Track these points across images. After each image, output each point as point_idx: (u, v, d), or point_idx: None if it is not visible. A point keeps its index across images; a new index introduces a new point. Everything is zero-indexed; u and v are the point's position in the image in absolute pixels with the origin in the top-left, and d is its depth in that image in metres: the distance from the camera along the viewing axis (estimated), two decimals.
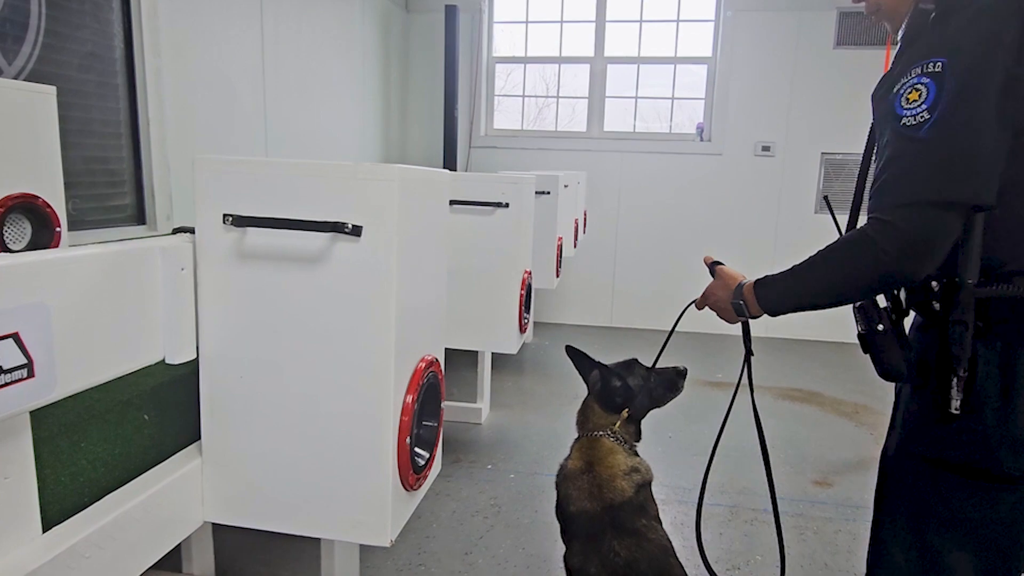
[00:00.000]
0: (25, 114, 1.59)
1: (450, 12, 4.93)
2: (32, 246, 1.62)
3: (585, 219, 4.45)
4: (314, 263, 0.84)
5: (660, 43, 5.08)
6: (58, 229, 1.67)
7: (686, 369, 1.56)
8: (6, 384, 0.57)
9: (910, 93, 0.94)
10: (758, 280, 1.10)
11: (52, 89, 1.65)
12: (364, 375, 0.86)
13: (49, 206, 1.64)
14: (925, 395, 1.03)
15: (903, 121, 0.94)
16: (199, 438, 0.92)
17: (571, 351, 1.55)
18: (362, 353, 0.86)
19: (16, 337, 0.58)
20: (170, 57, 2.69)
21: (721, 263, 1.23)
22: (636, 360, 1.56)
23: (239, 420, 0.90)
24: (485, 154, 5.30)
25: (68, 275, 0.67)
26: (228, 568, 1.93)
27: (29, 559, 0.57)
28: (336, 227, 0.80)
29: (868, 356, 1.10)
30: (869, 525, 1.42)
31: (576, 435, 1.56)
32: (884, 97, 0.99)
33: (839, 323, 5.28)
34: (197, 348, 0.87)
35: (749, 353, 1.26)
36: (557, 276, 3.03)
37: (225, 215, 0.83)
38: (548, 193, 2.63)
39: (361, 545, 1.43)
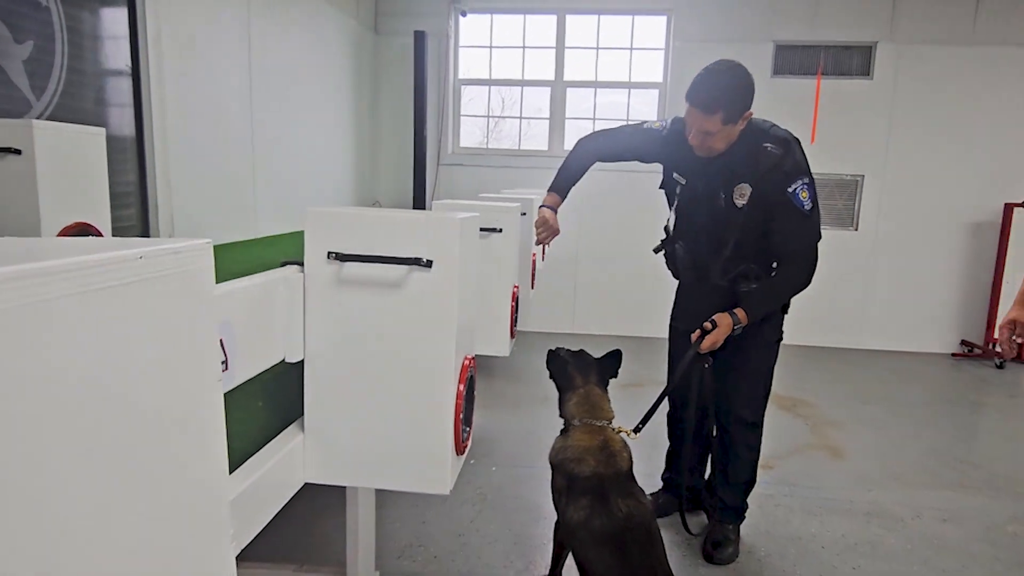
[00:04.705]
0: (80, 152, 1.81)
1: (419, 37, 5.20)
2: None
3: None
4: (395, 288, 1.11)
5: (615, 69, 5.48)
6: None
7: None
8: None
9: (802, 193, 1.95)
10: (744, 306, 2.03)
11: (102, 130, 1.88)
12: (431, 370, 1.14)
13: (100, 234, 1.86)
14: (676, 291, 2.42)
15: (805, 207, 1.95)
16: (294, 419, 1.19)
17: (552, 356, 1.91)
18: (430, 354, 1.14)
19: (221, 343, 0.84)
20: (172, 88, 2.90)
21: (705, 328, 2.02)
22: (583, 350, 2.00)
23: (335, 403, 1.17)
24: (452, 171, 5.58)
25: (239, 298, 0.94)
26: (247, 551, 2.15)
27: (227, 494, 0.80)
28: (414, 261, 1.08)
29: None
30: (803, 501, 2.68)
31: (573, 422, 1.81)
32: (778, 196, 1.95)
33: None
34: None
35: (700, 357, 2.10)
36: (532, 287, 3.34)
37: (329, 252, 1.10)
38: (525, 214, 2.93)
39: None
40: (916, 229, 5.29)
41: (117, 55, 2.69)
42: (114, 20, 2.69)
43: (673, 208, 2.22)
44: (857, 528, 2.51)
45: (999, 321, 2.06)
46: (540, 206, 2.21)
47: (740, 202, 2.01)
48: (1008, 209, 4.99)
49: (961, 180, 5.18)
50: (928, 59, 5.06)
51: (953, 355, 5.30)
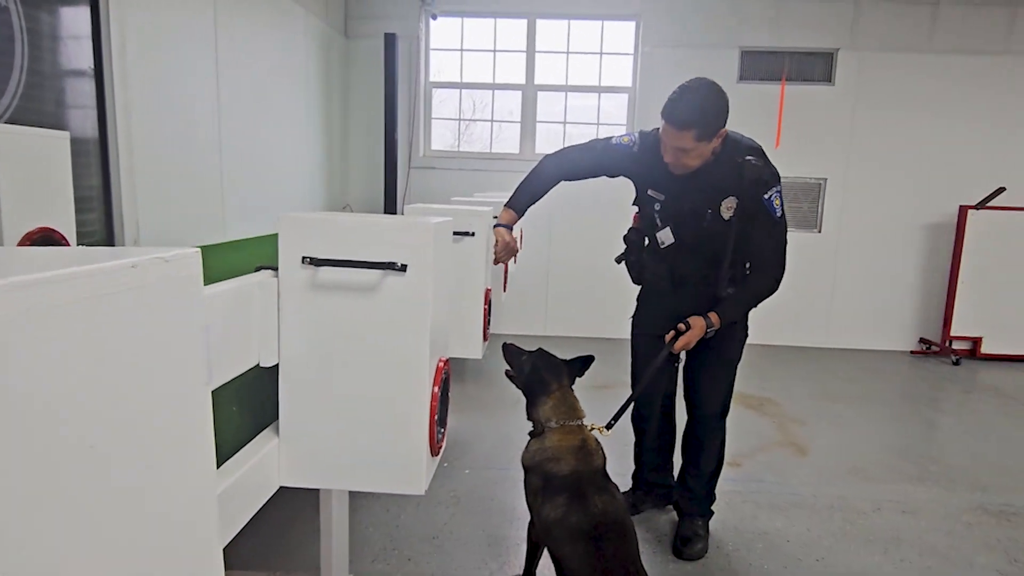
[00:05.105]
0: (43, 156, 1.78)
1: (389, 39, 5.19)
2: None
3: (522, 236, 4.81)
4: (370, 291, 1.12)
5: (586, 73, 5.55)
6: None
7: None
8: None
9: (775, 200, 2.02)
10: (718, 310, 2.08)
11: (66, 134, 1.84)
12: (406, 372, 1.15)
13: (65, 239, 1.82)
14: (639, 297, 2.45)
15: (776, 214, 2.02)
16: (269, 424, 1.18)
17: (539, 357, 1.93)
18: (405, 356, 1.15)
19: None
20: (137, 91, 2.85)
21: (679, 330, 2.08)
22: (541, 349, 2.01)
23: (310, 407, 1.17)
24: (423, 174, 5.58)
25: (214, 303, 0.94)
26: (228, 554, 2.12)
27: (214, 489, 0.81)
28: (388, 266, 1.09)
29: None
30: (770, 497, 2.73)
31: (549, 424, 1.82)
32: (755, 204, 2.01)
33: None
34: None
35: (674, 357, 2.18)
36: (504, 291, 3.36)
37: (303, 257, 1.11)
38: (496, 218, 2.96)
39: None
40: (876, 231, 5.45)
41: (79, 56, 2.64)
42: (76, 20, 2.63)
43: (659, 223, 2.20)
44: (821, 522, 2.58)
45: None
46: (495, 225, 2.21)
47: (728, 214, 2.05)
48: (962, 211, 5.18)
49: (919, 183, 5.36)
50: (887, 66, 5.23)
51: (912, 352, 5.48)
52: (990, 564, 2.33)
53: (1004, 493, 2.89)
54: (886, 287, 5.50)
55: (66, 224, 1.84)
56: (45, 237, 1.77)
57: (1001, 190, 4.99)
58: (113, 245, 2.86)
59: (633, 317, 2.46)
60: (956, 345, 5.28)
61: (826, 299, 5.54)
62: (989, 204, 5.07)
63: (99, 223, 2.82)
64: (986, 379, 4.80)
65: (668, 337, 2.11)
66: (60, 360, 0.52)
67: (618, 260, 2.44)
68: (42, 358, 0.51)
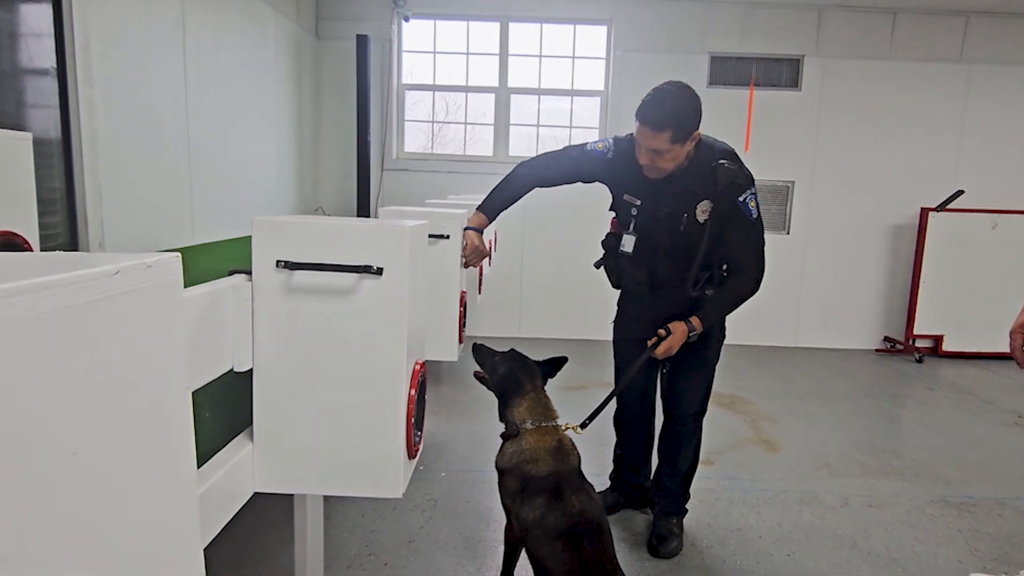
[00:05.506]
0: (5, 158, 1.73)
1: (361, 41, 5.15)
2: None
3: (496, 239, 4.81)
4: (346, 295, 1.12)
5: (558, 76, 5.58)
6: None
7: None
8: None
9: (750, 202, 2.05)
10: (700, 314, 2.11)
11: (28, 135, 1.80)
12: (383, 375, 1.15)
13: (27, 243, 1.78)
14: (619, 301, 2.47)
15: (752, 216, 2.06)
16: (242, 429, 1.17)
17: (512, 357, 1.93)
18: (381, 359, 1.15)
19: None
20: (101, 90, 2.79)
21: (660, 335, 2.12)
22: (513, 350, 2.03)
23: (285, 412, 1.16)
24: (396, 177, 5.56)
25: (188, 307, 0.92)
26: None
27: (195, 491, 0.81)
28: (364, 269, 1.09)
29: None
30: (743, 494, 2.82)
31: (525, 425, 1.83)
32: (731, 207, 2.04)
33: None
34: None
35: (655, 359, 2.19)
36: (480, 293, 3.37)
37: (278, 261, 1.10)
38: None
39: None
40: (842, 232, 5.59)
41: (41, 54, 2.57)
42: (38, 17, 2.57)
43: (631, 229, 2.21)
44: (791, 517, 2.63)
45: (1010, 327, 1.83)
46: (465, 228, 2.21)
47: (703, 218, 2.06)
48: (924, 213, 5.33)
49: (882, 185, 5.51)
50: (851, 72, 5.36)
51: (877, 351, 5.62)
52: (952, 555, 2.40)
53: (965, 486, 2.98)
54: (852, 287, 5.64)
55: (29, 227, 1.80)
56: (7, 241, 1.72)
57: (960, 193, 5.15)
58: (77, 249, 2.78)
59: (614, 322, 2.48)
60: (919, 343, 5.43)
61: (795, 299, 5.65)
62: (949, 206, 5.23)
63: (63, 226, 2.75)
64: (947, 376, 4.94)
65: (651, 343, 2.13)
66: (43, 368, 0.52)
67: (597, 265, 2.45)
68: (25, 366, 0.50)
